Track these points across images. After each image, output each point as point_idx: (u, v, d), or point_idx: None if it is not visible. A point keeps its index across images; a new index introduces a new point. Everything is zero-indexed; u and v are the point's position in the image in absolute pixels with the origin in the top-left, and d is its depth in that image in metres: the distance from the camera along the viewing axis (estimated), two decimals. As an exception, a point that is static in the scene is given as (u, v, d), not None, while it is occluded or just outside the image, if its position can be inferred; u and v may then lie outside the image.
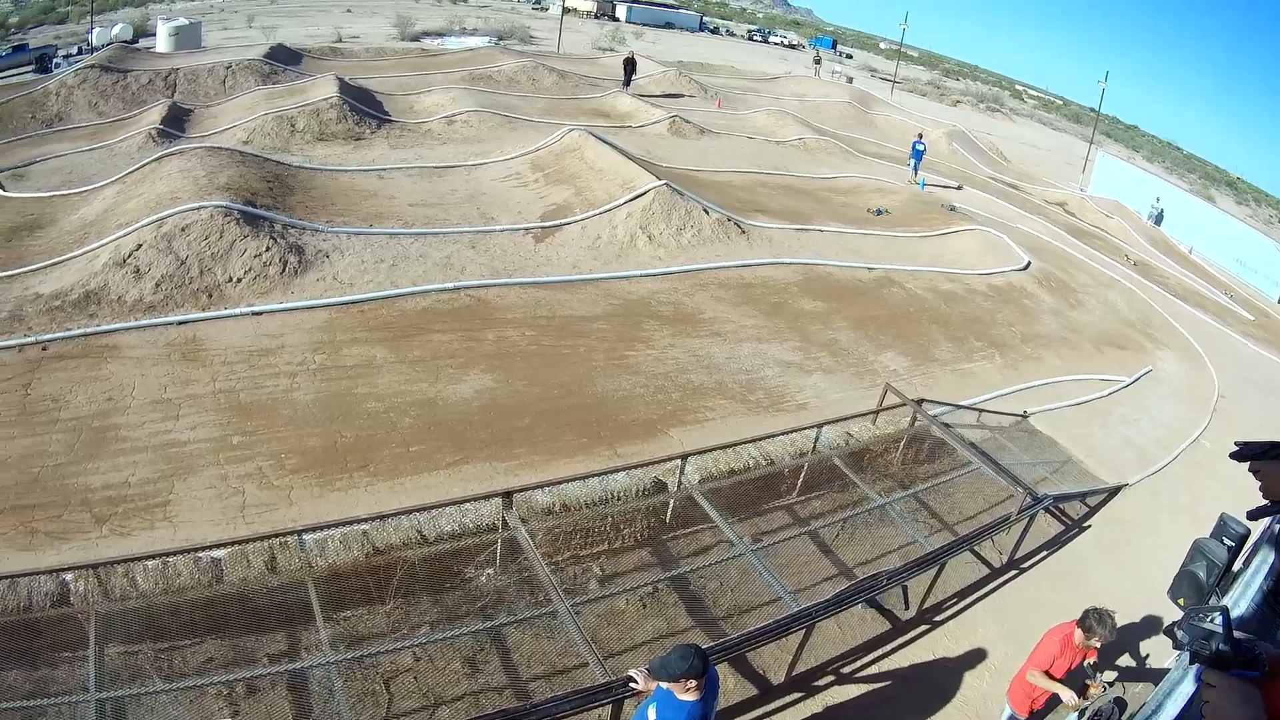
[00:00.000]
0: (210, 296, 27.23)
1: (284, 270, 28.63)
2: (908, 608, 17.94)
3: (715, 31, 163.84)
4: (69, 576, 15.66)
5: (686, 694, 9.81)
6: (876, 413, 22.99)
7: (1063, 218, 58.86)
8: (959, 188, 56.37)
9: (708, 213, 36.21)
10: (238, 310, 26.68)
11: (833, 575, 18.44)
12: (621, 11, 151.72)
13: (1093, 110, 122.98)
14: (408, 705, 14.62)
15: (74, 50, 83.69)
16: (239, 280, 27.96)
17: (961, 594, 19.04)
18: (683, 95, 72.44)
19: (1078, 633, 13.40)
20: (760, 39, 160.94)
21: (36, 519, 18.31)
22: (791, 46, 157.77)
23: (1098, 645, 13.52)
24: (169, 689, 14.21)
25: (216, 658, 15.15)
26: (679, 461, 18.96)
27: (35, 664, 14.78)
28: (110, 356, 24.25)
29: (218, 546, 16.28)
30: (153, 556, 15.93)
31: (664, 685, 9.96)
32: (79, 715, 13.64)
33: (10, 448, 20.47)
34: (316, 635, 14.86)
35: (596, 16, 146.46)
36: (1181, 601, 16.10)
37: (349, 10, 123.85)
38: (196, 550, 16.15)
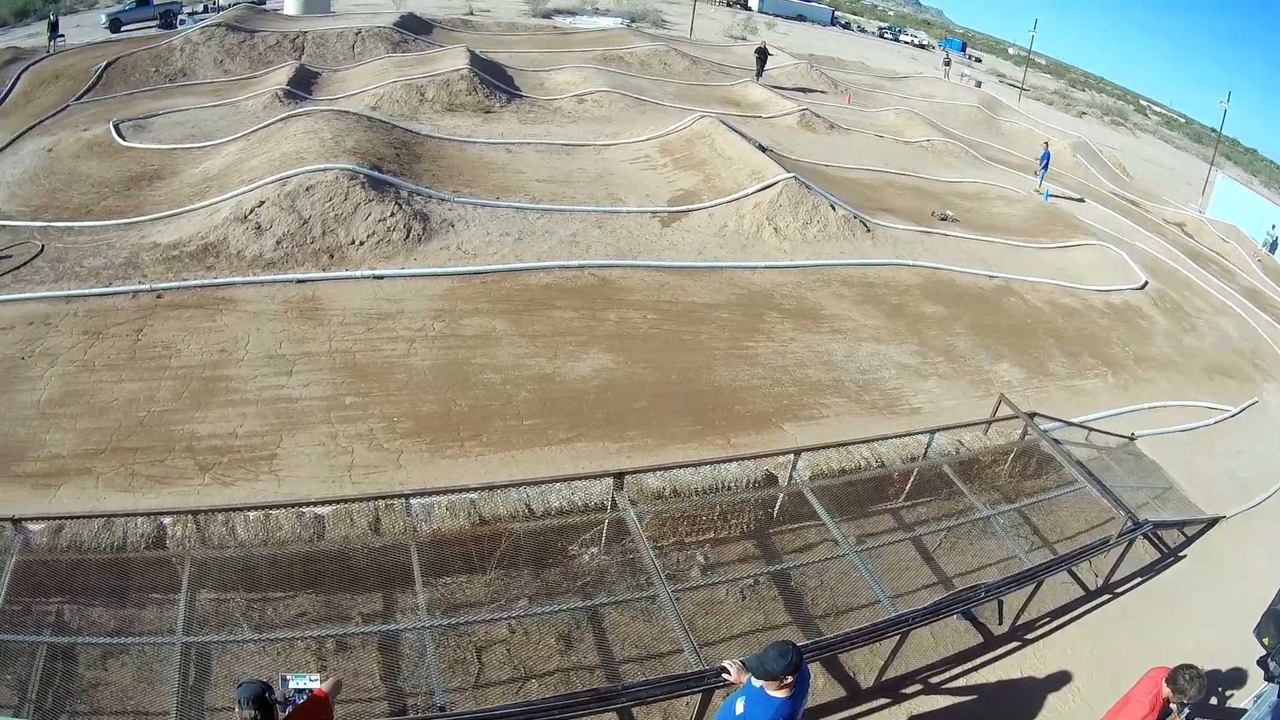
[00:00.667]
0: (331, 257, 27.52)
1: (408, 237, 28.79)
2: (1001, 622, 17.60)
3: (846, 27, 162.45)
4: (168, 520, 15.80)
5: (778, 691, 9.62)
6: (989, 423, 22.58)
7: (1181, 239, 57.44)
8: (1081, 200, 55.19)
9: (834, 208, 35.82)
10: (358, 273, 26.92)
11: (931, 583, 18.07)
12: (754, 1, 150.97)
13: (1214, 131, 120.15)
14: (497, 676, 14.52)
15: (199, 8, 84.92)
16: (361, 243, 28.20)
17: (1055, 614, 18.56)
18: (813, 90, 71.53)
19: (1166, 688, 13.09)
20: (891, 37, 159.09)
21: (138, 462, 18.54)
22: (922, 46, 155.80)
23: (1184, 702, 13.20)
24: (258, 639, 14.31)
25: (310, 612, 15.21)
26: (792, 456, 18.65)
27: (124, 603, 14.94)
28: (226, 309, 24.54)
29: (324, 503, 16.40)
30: (257, 508, 16.05)
31: (756, 681, 9.82)
32: (163, 656, 13.79)
33: (117, 391, 20.80)
34: (414, 599, 14.85)
35: (729, 4, 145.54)
36: (1266, 641, 15.80)
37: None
38: (302, 505, 16.26)
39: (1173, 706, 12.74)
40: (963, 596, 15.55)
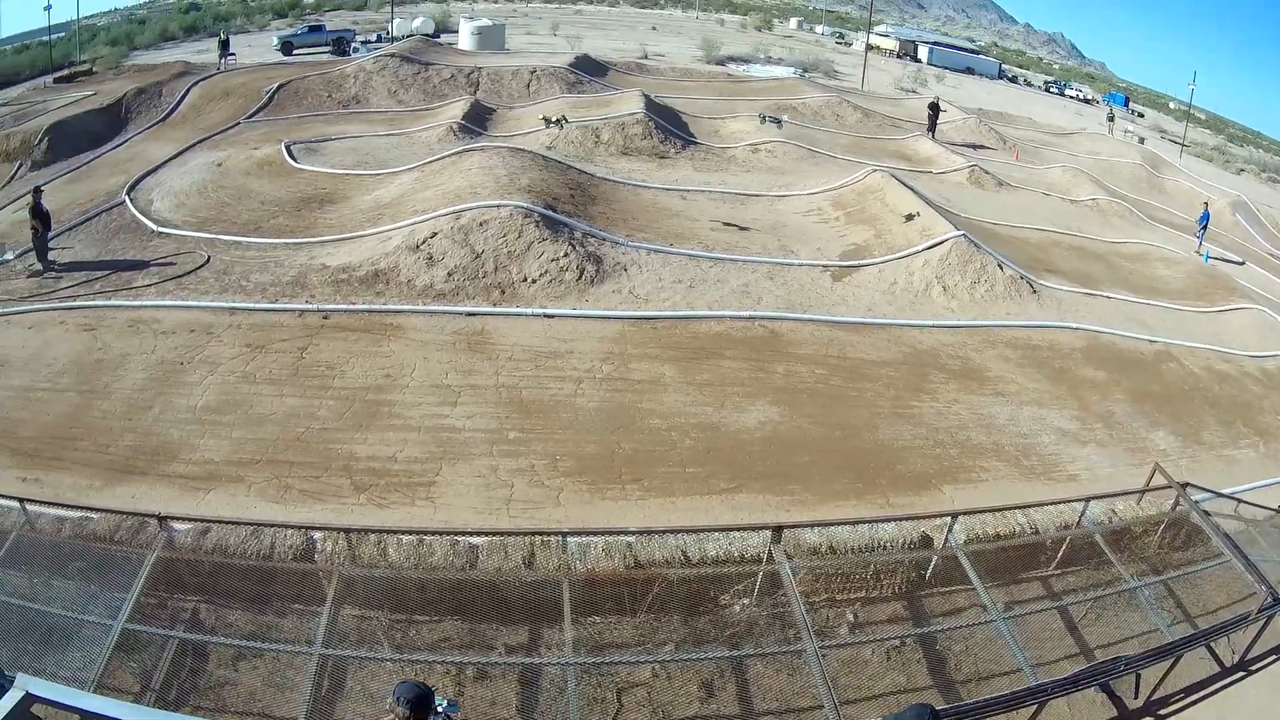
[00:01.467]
0: (503, 293, 27.71)
1: (580, 277, 28.87)
2: (1136, 696, 17.15)
3: (1013, 80, 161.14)
4: (319, 535, 15.96)
5: None
6: (1142, 493, 21.87)
7: (1344, 303, 56.03)
8: (1241, 262, 53.87)
9: (1002, 268, 35.09)
10: (529, 310, 27.03)
11: (1073, 654, 17.44)
12: (923, 53, 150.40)
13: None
14: (634, 718, 14.38)
15: (373, 37, 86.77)
16: (533, 281, 28.33)
17: (1189, 689, 17.91)
18: (982, 145, 70.39)
19: None
20: (1056, 91, 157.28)
21: (292, 475, 18.72)
22: (1086, 101, 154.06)
23: None
24: (396, 658, 14.31)
25: (453, 638, 15.18)
26: (949, 519, 18.28)
27: (263, 609, 15.14)
28: (394, 335, 24.95)
29: (481, 534, 16.42)
30: (412, 532, 16.25)
31: None
32: (298, 664, 13.88)
33: (276, 404, 21.12)
34: (560, 635, 14.72)
35: (899, 56, 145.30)
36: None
37: (654, 28, 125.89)
38: (458, 534, 16.39)
39: None
40: (1102, 669, 15.13)
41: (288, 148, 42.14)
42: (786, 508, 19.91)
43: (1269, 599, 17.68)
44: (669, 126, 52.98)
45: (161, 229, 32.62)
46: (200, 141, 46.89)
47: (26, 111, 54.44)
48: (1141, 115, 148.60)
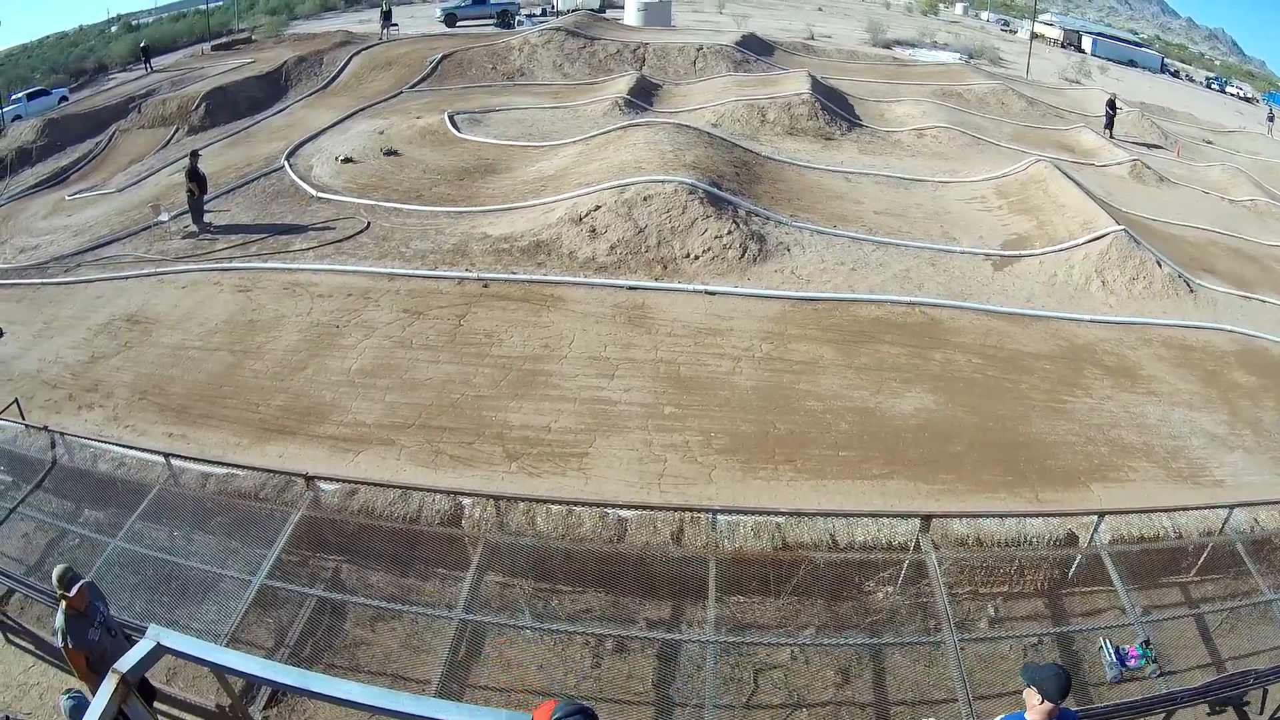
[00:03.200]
0: (665, 268, 27.75)
1: (743, 256, 28.72)
2: (1261, 713, 16.84)
3: (1175, 75, 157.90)
4: (468, 501, 16.10)
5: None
6: (1286, 502, 21.59)
7: None
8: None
9: (1160, 265, 34.15)
10: (691, 286, 26.99)
11: (1205, 664, 16.86)
12: (1087, 43, 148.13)
13: None
14: (769, 700, 14.29)
15: (538, 10, 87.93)
16: (696, 257, 28.32)
17: (1317, 707, 17.77)
18: (1143, 141, 68.67)
19: None
20: (1218, 88, 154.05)
21: (444, 441, 18.92)
22: (1247, 99, 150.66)
23: None
24: (536, 626, 14.39)
25: (595, 610, 15.20)
26: (1095, 518, 18.00)
27: (406, 573, 15.35)
28: (554, 306, 25.09)
29: (631, 507, 16.39)
30: (562, 502, 16.32)
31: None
32: (437, 629, 14.05)
33: (432, 370, 21.39)
34: (703, 613, 14.70)
35: (1063, 45, 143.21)
36: None
37: (820, 9, 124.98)
38: (609, 506, 16.36)
39: None
40: (1232, 681, 14.77)
41: (451, 117, 42.71)
42: (936, 496, 19.68)
43: (1399, 616, 17.30)
44: (834, 108, 52.58)
45: (321, 194, 33.23)
46: (362, 109, 47.78)
47: (185, 78, 56.26)
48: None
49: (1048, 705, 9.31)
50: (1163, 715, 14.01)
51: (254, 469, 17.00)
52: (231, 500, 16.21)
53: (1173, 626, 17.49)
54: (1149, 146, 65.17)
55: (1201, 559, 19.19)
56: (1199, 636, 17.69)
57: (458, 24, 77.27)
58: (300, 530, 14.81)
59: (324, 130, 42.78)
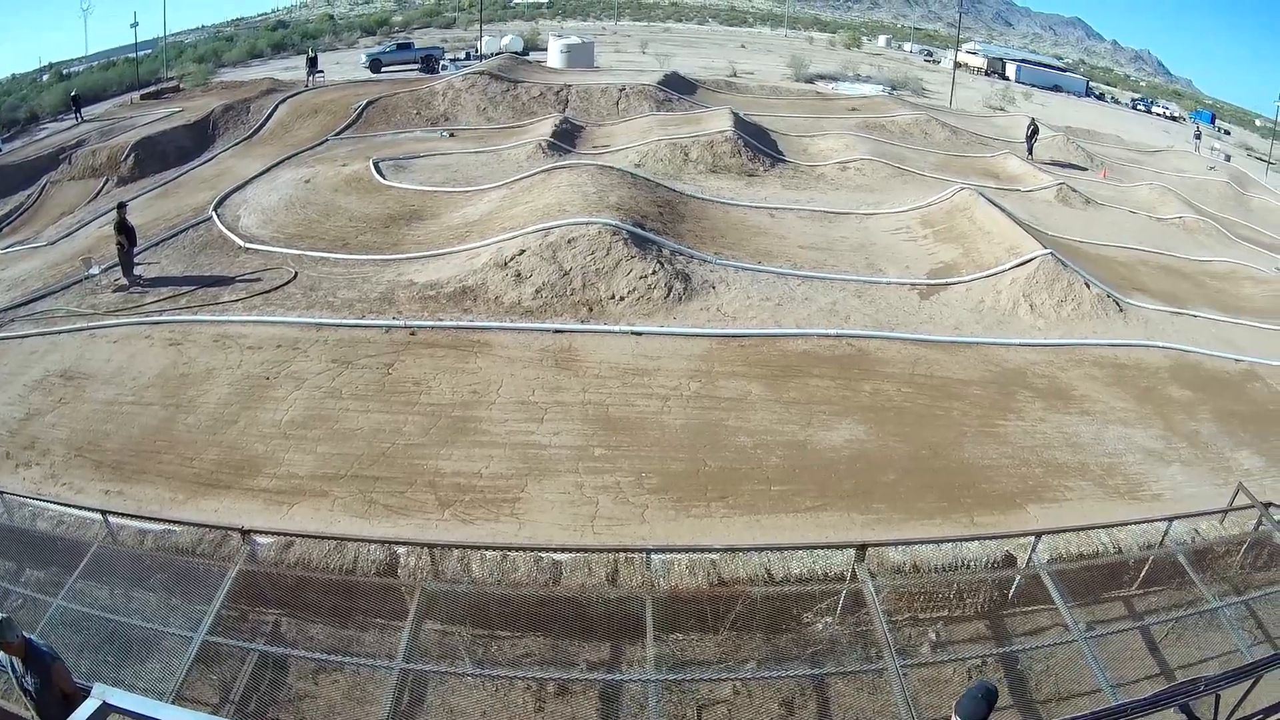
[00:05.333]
0: (590, 310, 27.89)
1: (668, 295, 28.97)
2: (1215, 717, 17.08)
3: (1101, 98, 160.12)
4: (403, 550, 16.08)
5: None
6: (1225, 512, 21.67)
7: None
8: (1330, 281, 53.57)
9: (1089, 287, 34.76)
10: (617, 327, 27.16)
11: (1154, 674, 17.18)
12: (1011, 70, 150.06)
13: None
14: (714, 735, 14.25)
15: (461, 55, 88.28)
16: (621, 298, 28.51)
17: (1269, 710, 17.85)
18: (1070, 164, 69.91)
19: None
20: (1144, 109, 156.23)
21: (377, 491, 18.94)
22: (1173, 119, 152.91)
23: None
24: (478, 673, 14.38)
25: (535, 654, 15.24)
26: (1032, 539, 18.11)
27: (345, 623, 15.32)
28: (481, 352, 25.18)
29: (565, 550, 16.46)
30: (496, 548, 16.32)
31: None
32: (379, 679, 14.02)
33: (363, 420, 21.40)
34: (643, 651, 14.75)
35: (987, 73, 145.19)
36: None
37: (743, 46, 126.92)
38: (543, 550, 16.44)
39: None
40: (1181, 690, 14.97)
41: (376, 164, 42.75)
42: (871, 526, 19.89)
43: (1350, 616, 17.54)
44: (757, 144, 53.11)
45: (249, 245, 33.10)
46: (289, 158, 47.59)
47: (113, 128, 55.91)
48: (1228, 133, 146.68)
49: None
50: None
51: (190, 524, 16.92)
52: (170, 556, 16.13)
53: (1118, 640, 17.86)
54: (1075, 169, 66.45)
55: (1143, 572, 19.56)
56: (1146, 648, 18.07)
57: (383, 70, 77.67)
58: (238, 585, 14.80)
59: (251, 180, 42.56)
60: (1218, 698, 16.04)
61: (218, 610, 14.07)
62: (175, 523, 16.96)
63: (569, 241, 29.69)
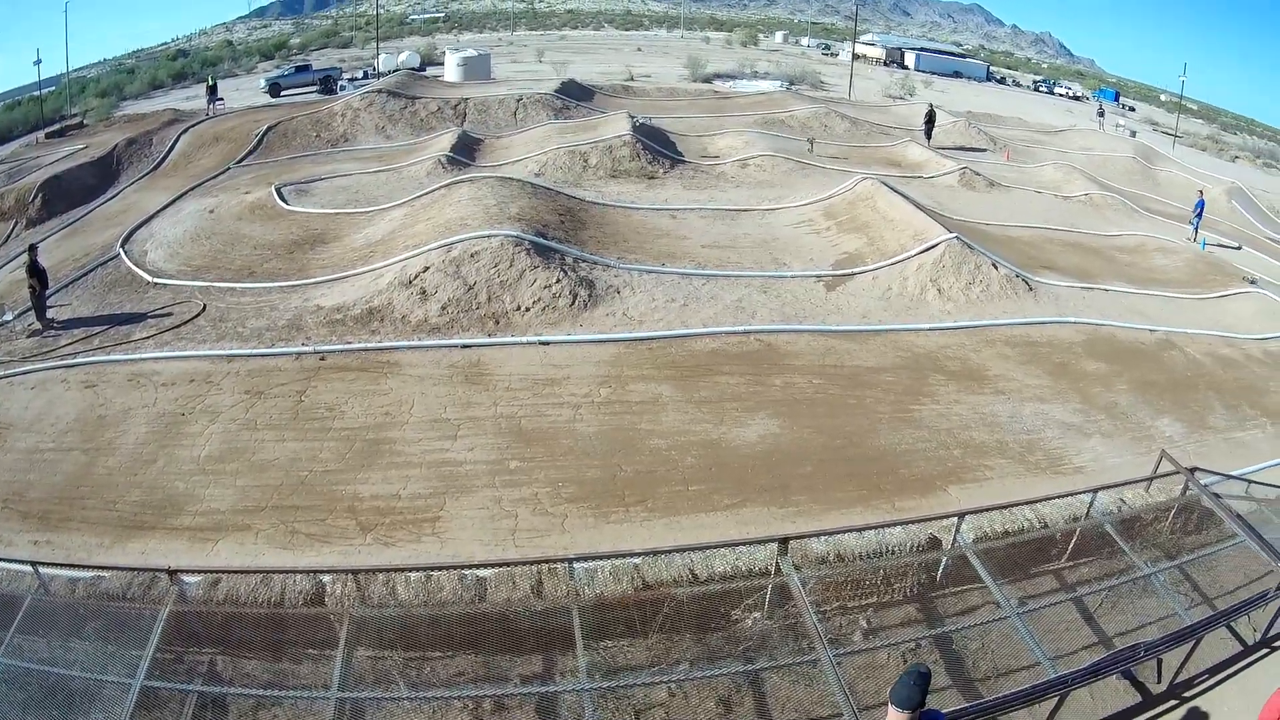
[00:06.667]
0: (497, 323, 27.98)
1: (573, 303, 29.13)
2: (1159, 680, 17.16)
3: (1002, 81, 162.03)
4: (328, 578, 16.06)
5: None
6: (1150, 480, 21.90)
7: (1345, 280, 55.89)
8: (1238, 248, 53.96)
9: (997, 268, 35.45)
10: (524, 339, 27.30)
11: (1092, 644, 17.63)
12: (910, 59, 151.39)
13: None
14: (653, 739, 14.32)
15: (359, 74, 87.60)
16: (527, 309, 28.61)
17: (1213, 670, 17.89)
18: (973, 148, 71.38)
19: None
20: (1046, 90, 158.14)
21: (299, 520, 18.87)
22: (1076, 98, 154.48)
23: None
24: (414, 696, 14.35)
25: (468, 672, 15.28)
26: (955, 520, 18.39)
27: (279, 657, 15.24)
28: (391, 373, 25.16)
29: (488, 566, 16.53)
30: (419, 569, 16.36)
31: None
32: (316, 710, 14.03)
33: (279, 450, 21.26)
34: (574, 661, 14.76)
35: (886, 64, 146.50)
36: None
37: (639, 50, 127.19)
38: (465, 567, 16.50)
39: None
40: (1121, 656, 15.15)
41: (278, 190, 42.52)
42: (792, 519, 20.10)
43: (1287, 574, 17.75)
44: (657, 147, 53.54)
45: (157, 279, 32.84)
46: (192, 189, 47.27)
47: (21, 169, 54.86)
48: (1132, 109, 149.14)
49: (904, 714, 9.35)
50: (1056, 700, 14.31)
51: (118, 569, 16.85)
52: (101, 604, 15.98)
53: (1052, 613, 18.17)
54: (978, 152, 67.76)
55: (1071, 545, 20.09)
56: (1082, 619, 18.50)
57: (282, 93, 76.94)
58: (171, 626, 14.63)
59: (157, 213, 42.16)
60: (1159, 661, 16.27)
61: (153, 654, 13.94)
62: (103, 568, 16.92)
63: (472, 256, 29.84)
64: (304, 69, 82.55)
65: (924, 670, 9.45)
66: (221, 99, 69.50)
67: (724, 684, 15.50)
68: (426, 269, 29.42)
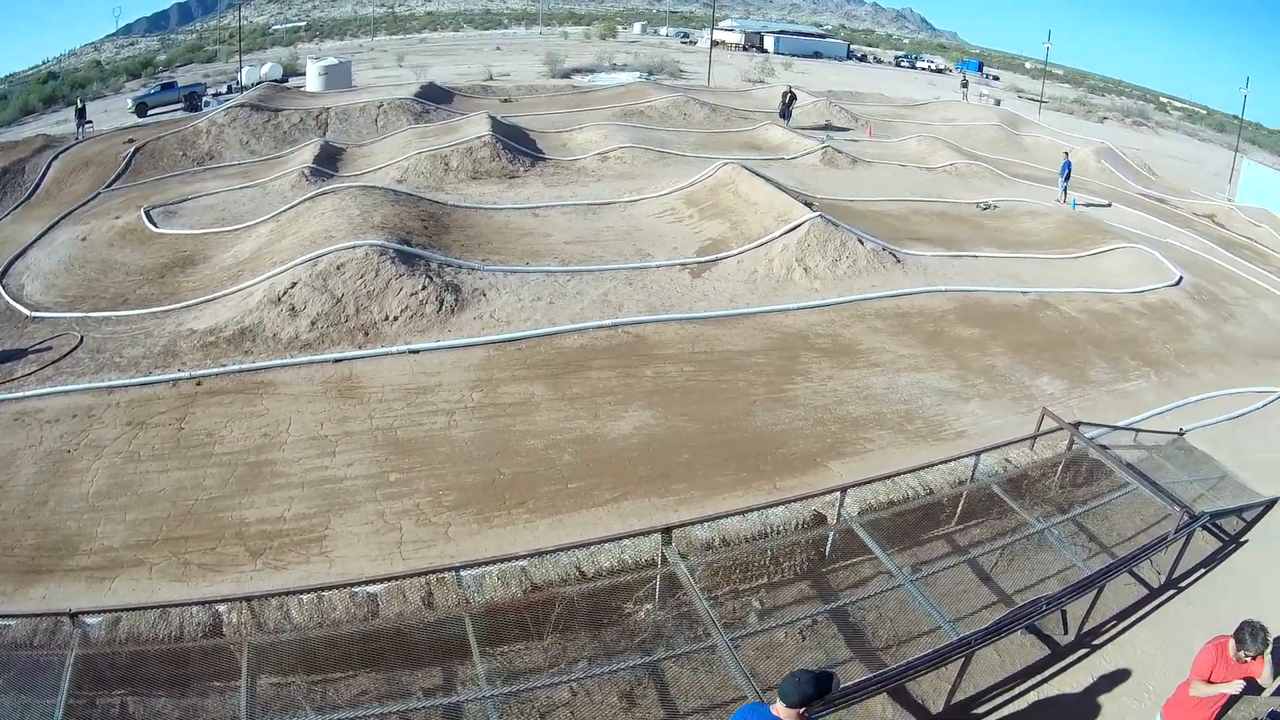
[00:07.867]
0: (367, 335, 28.11)
1: (440, 309, 29.31)
2: (1066, 632, 17.56)
3: (863, 59, 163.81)
4: (223, 608, 16.11)
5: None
6: (1034, 438, 22.64)
7: (1212, 230, 56.67)
8: (1108, 205, 55.03)
9: (863, 243, 36.22)
10: (394, 348, 27.47)
11: (992, 603, 18.05)
12: (769, 43, 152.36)
13: (1236, 118, 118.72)
14: (564, 740, 14.64)
15: (223, 89, 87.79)
16: (395, 319, 28.75)
17: (1120, 616, 18.44)
18: (835, 126, 72.80)
19: (1231, 644, 12.98)
20: (908, 65, 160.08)
21: (190, 551, 18.97)
22: (939, 71, 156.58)
23: (1250, 659, 13.07)
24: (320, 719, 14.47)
25: (371, 691, 15.43)
26: (838, 494, 18.79)
27: (186, 692, 15.23)
28: (266, 393, 25.11)
29: (376, 581, 16.59)
30: (309, 590, 16.33)
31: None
32: (229, 743, 13.86)
33: (164, 480, 21.28)
34: (473, 670, 15.01)
35: (745, 49, 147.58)
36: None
37: (498, 48, 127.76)
38: (354, 585, 16.53)
39: (1245, 657, 12.65)
40: (1023, 612, 15.54)
41: (147, 213, 42.22)
42: (674, 508, 20.51)
43: (1185, 517, 18.40)
44: (517, 146, 53.98)
45: (36, 313, 32.44)
46: (64, 217, 46.53)
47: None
48: (996, 79, 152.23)
49: (793, 712, 9.62)
50: (962, 661, 14.75)
51: (20, 616, 16.69)
52: (9, 653, 15.85)
53: (947, 577, 18.67)
54: (839, 130, 69.59)
55: (959, 509, 20.58)
56: (979, 580, 18.95)
57: (149, 113, 76.04)
58: (79, 671, 14.65)
59: (32, 243, 41.49)
60: (1064, 613, 16.77)
61: (65, 701, 14.02)
62: (6, 616, 16.77)
63: (338, 268, 29.93)
64: (169, 86, 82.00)
65: (821, 673, 9.63)
66: (90, 121, 68.51)
67: (625, 678, 15.68)
68: (294, 285, 29.43)
